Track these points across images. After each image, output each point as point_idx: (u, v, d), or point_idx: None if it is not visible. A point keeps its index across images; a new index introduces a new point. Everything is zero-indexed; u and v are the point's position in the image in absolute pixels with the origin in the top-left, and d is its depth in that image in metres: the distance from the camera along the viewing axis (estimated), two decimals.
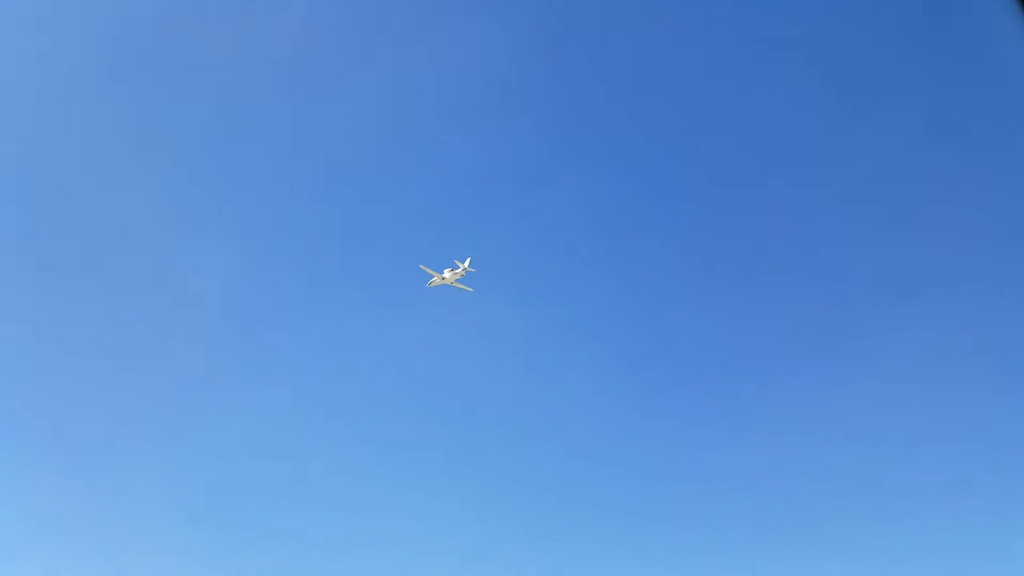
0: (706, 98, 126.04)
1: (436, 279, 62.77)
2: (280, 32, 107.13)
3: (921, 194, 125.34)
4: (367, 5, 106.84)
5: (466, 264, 60.20)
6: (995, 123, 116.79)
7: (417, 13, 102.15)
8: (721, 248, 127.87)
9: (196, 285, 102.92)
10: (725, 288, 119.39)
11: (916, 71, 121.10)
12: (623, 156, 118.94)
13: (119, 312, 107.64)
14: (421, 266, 61.67)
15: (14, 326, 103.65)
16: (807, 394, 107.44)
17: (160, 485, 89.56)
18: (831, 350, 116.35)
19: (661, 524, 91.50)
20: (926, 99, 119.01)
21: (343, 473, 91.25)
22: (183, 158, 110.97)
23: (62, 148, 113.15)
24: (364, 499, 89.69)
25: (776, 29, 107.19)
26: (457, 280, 61.76)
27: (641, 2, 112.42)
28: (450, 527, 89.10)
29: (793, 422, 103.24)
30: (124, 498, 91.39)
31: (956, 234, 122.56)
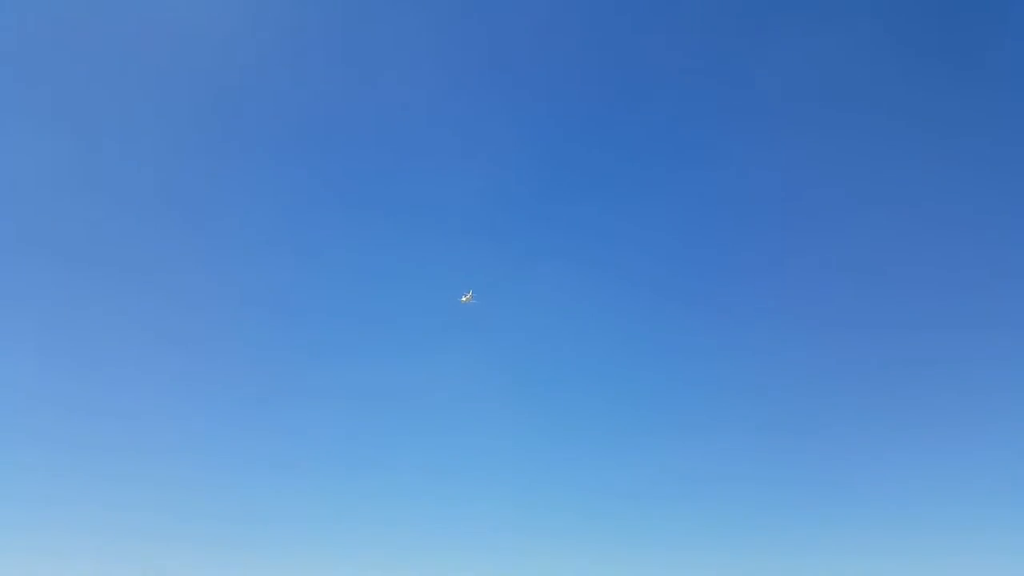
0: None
1: (463, 299, 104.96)
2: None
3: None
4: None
5: (470, 294, 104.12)
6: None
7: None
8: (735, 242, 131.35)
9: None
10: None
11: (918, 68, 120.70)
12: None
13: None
14: (461, 299, 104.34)
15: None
16: None
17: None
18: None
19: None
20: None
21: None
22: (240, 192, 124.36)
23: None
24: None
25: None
26: (471, 300, 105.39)
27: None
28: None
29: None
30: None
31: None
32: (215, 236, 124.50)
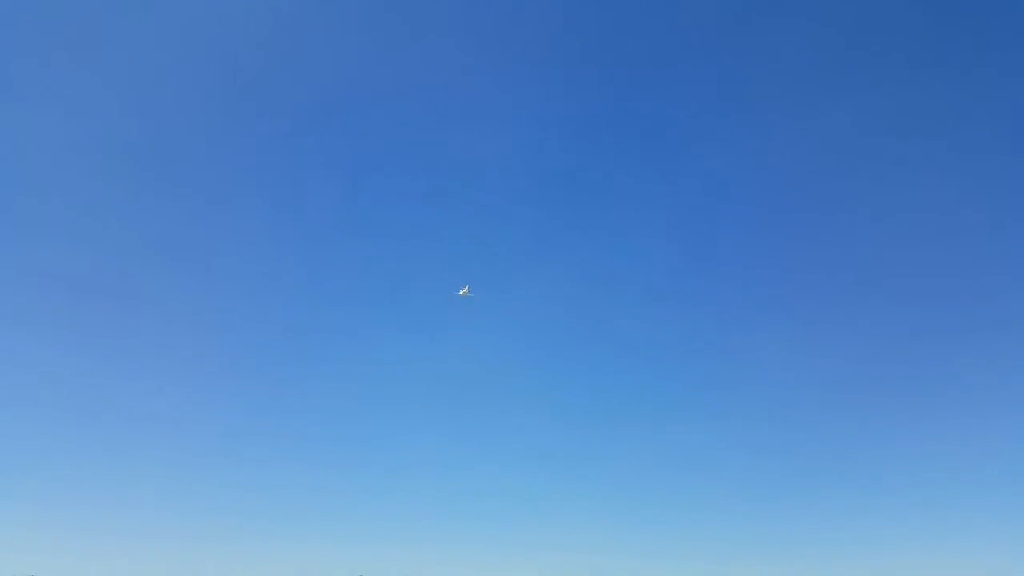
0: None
1: (460, 293, 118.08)
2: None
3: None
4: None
5: (466, 288, 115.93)
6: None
7: None
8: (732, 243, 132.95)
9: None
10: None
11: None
12: None
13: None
14: (459, 292, 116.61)
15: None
16: None
17: None
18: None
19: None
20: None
21: None
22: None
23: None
24: None
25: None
26: (468, 294, 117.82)
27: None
28: None
29: None
30: None
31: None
32: (228, 231, 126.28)
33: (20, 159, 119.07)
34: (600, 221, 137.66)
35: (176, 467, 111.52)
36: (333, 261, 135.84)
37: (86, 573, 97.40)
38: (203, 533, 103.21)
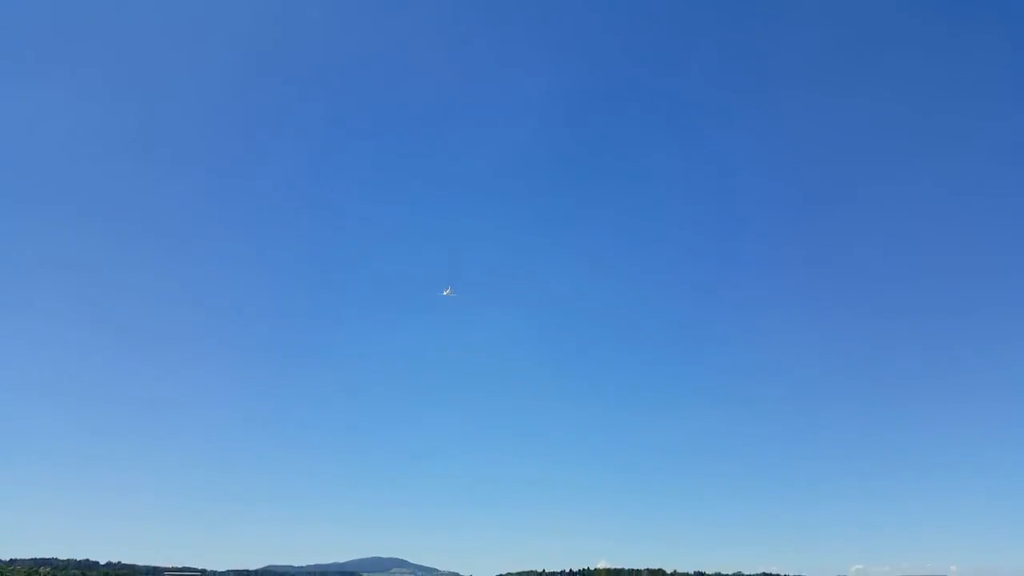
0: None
1: (444, 293, 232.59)
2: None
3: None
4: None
5: (449, 289, 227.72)
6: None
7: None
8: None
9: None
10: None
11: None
12: None
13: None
14: (443, 292, 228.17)
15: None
16: None
17: None
18: None
19: None
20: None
21: None
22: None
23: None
24: None
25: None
26: (450, 293, 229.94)
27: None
28: None
29: None
30: None
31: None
32: (238, 224, 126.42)
33: (20, 147, 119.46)
34: (611, 206, 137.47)
35: (185, 455, 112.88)
36: (346, 251, 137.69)
37: (93, 555, 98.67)
38: (208, 520, 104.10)
